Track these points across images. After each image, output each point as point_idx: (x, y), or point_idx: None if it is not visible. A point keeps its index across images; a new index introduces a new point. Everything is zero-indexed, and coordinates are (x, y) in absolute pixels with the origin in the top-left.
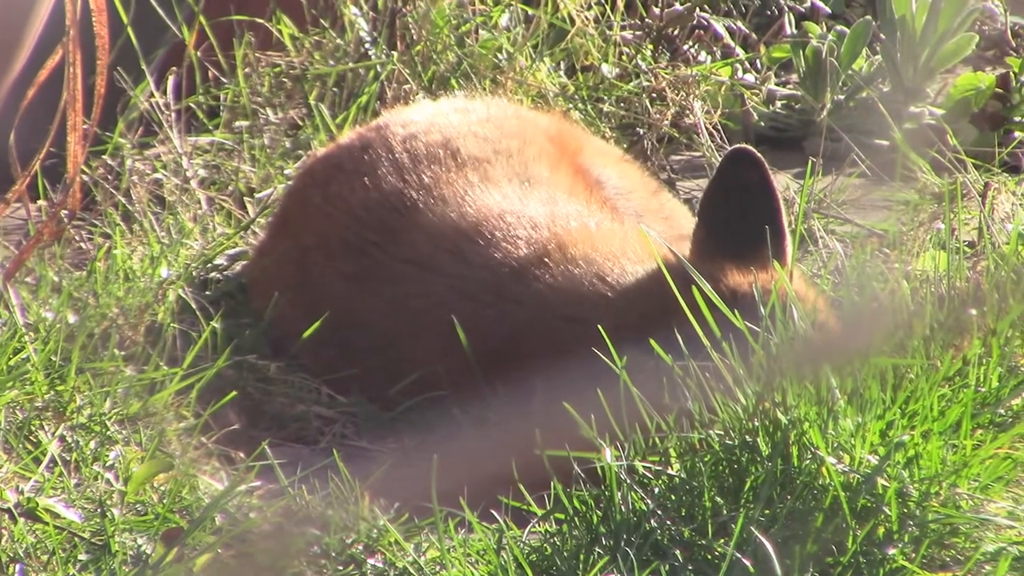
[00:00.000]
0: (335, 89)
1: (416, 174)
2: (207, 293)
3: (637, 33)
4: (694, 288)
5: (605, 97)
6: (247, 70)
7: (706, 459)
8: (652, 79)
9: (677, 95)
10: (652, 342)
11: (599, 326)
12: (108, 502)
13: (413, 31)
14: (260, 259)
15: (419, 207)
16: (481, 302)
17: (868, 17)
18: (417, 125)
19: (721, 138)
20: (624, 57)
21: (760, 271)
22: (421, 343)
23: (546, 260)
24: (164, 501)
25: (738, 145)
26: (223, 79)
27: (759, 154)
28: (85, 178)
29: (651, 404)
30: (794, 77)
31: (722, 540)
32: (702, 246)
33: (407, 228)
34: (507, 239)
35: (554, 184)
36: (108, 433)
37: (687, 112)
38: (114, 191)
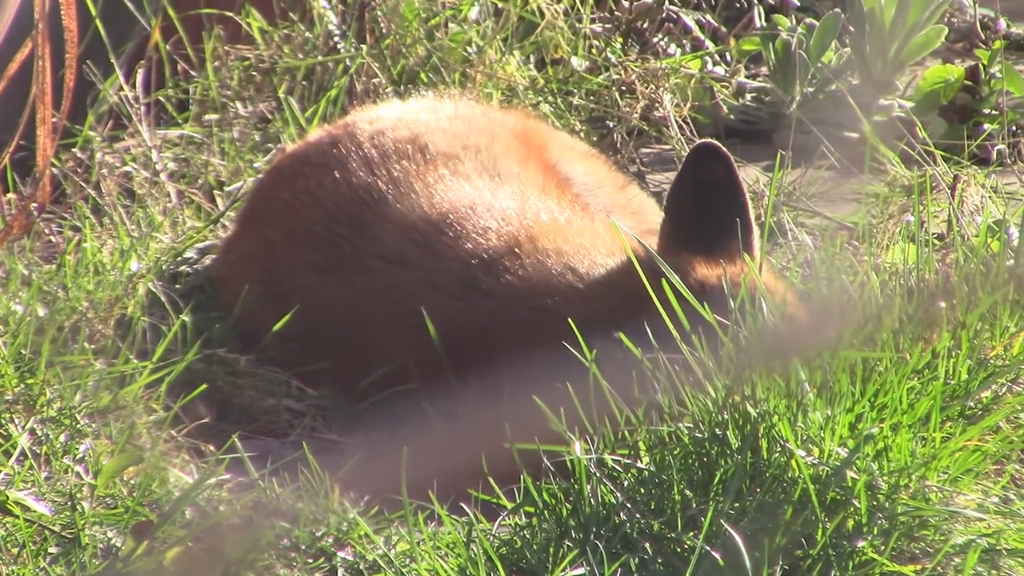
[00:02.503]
0: (304, 83)
1: (385, 168)
2: (177, 286)
3: (607, 26)
4: (663, 281)
5: (575, 90)
6: (216, 63)
7: (675, 452)
8: (622, 72)
9: (647, 88)
10: (621, 335)
11: (569, 318)
12: (78, 495)
13: (382, 24)
14: (227, 254)
15: (388, 200)
16: (451, 294)
17: (837, 10)
18: (385, 122)
19: (691, 131)
20: (594, 50)
21: (728, 264)
22: (390, 335)
23: (516, 251)
24: (134, 494)
25: (704, 140)
26: (192, 72)
27: (724, 148)
28: (55, 171)
29: (620, 397)
30: (764, 70)
31: (692, 533)
32: (669, 241)
33: (376, 221)
34: (477, 231)
35: (524, 180)
36: (78, 426)
37: (657, 105)
38: (84, 184)
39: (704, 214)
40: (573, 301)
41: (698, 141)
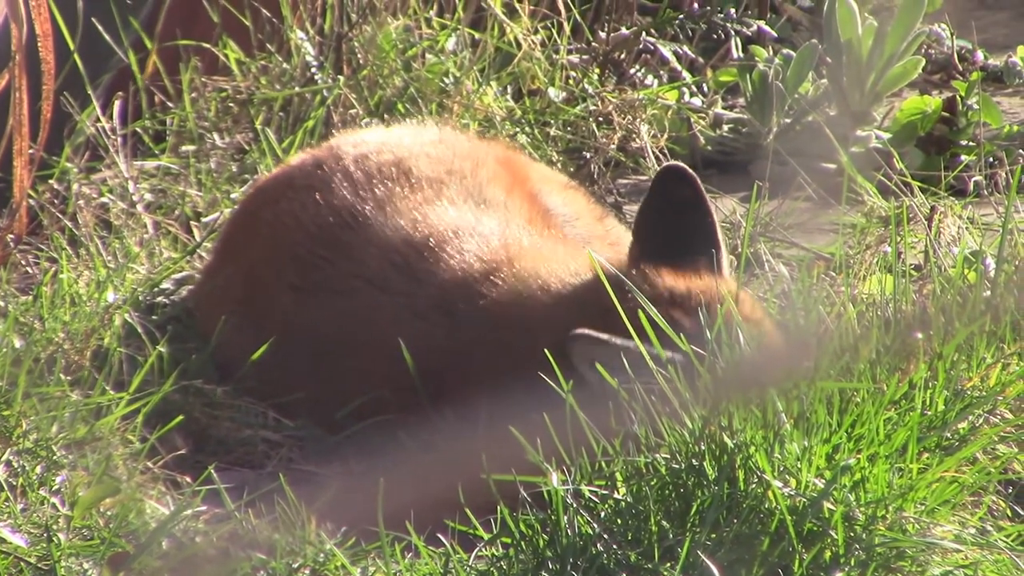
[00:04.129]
0: (281, 114)
1: (370, 191)
2: (153, 317)
3: (584, 57)
4: (635, 293)
5: (552, 121)
6: (193, 95)
7: (653, 483)
8: (599, 103)
9: (624, 119)
10: (599, 366)
11: (539, 339)
12: (54, 527)
13: (359, 55)
14: (207, 280)
15: (371, 223)
16: (430, 320)
17: (814, 41)
18: (369, 145)
19: (668, 162)
20: (571, 81)
21: (696, 279)
22: (369, 358)
23: (494, 277)
24: (111, 526)
25: (671, 162)
26: (169, 104)
27: (691, 171)
28: (31, 202)
29: (596, 424)
30: (741, 101)
31: (669, 564)
32: (636, 261)
33: (359, 244)
34: (458, 256)
35: (510, 208)
36: (54, 458)
37: (634, 136)
38: (60, 215)
39: (672, 235)
40: (545, 320)
41: (665, 164)
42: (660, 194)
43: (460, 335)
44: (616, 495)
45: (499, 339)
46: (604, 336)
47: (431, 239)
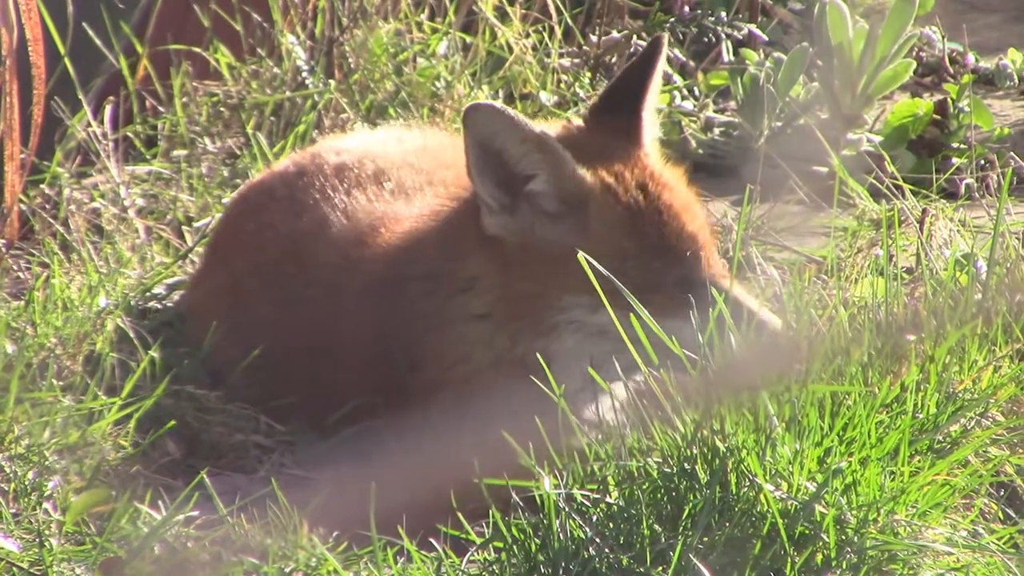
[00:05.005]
0: (272, 118)
1: (345, 203)
2: (145, 322)
3: (575, 61)
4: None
5: None
6: (185, 99)
7: (644, 487)
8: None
9: None
10: (591, 369)
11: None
12: (47, 532)
13: (351, 60)
14: (196, 288)
15: (333, 232)
16: (371, 296)
17: (805, 44)
18: (351, 154)
19: None
20: (562, 85)
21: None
22: (344, 364)
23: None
24: (103, 531)
25: (658, 34)
26: (161, 108)
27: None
28: (23, 207)
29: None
30: (732, 104)
31: (661, 568)
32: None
33: (320, 252)
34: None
35: None
36: (47, 463)
37: None
38: (52, 220)
39: (619, 97)
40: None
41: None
42: (641, 61)
43: (398, 298)
44: (608, 499)
45: (425, 269)
46: (505, 108)
47: (363, 232)
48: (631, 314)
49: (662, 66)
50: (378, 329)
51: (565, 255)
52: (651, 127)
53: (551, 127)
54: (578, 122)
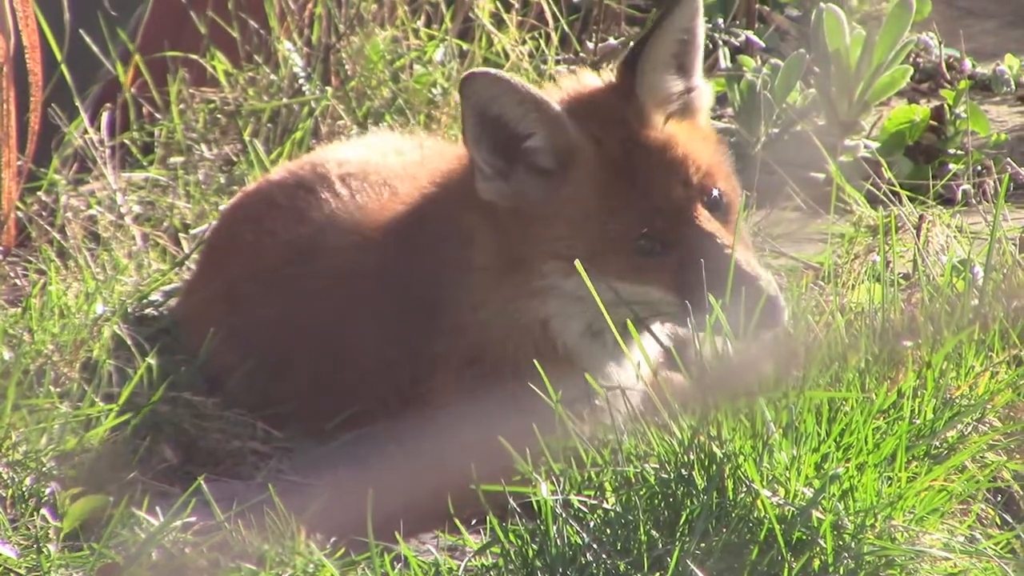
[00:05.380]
0: (269, 125)
1: (351, 199)
2: (142, 329)
3: (572, 68)
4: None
5: None
6: (181, 106)
7: (642, 493)
8: None
9: None
10: (587, 376)
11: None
12: (44, 538)
13: (347, 66)
14: (190, 296)
15: (343, 219)
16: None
17: (802, 50)
18: (351, 165)
19: None
20: None
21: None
22: (341, 354)
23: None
24: (100, 537)
25: None
26: (157, 115)
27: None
28: (20, 214)
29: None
30: (729, 110)
31: (658, 573)
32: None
33: (331, 240)
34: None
35: None
36: (44, 469)
37: None
38: (49, 227)
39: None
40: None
41: None
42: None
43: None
44: (605, 505)
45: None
46: (500, 72)
47: (376, 211)
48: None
49: (685, 17)
50: (397, 298)
51: (550, 218)
52: (667, 82)
53: (567, 82)
54: (609, 77)
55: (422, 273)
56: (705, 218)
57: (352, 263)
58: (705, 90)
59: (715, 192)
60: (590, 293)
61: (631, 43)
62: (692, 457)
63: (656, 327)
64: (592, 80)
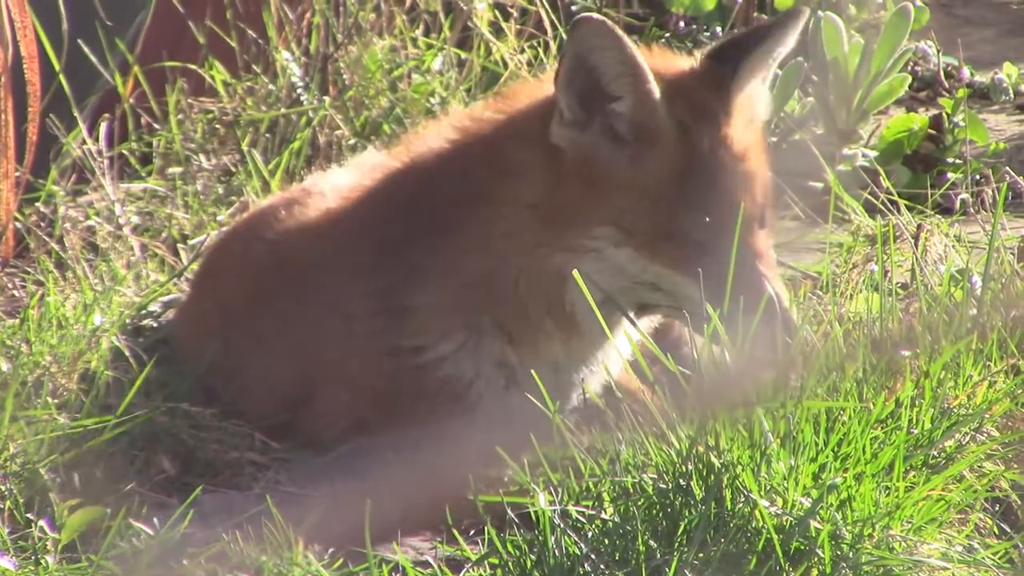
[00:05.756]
0: (268, 135)
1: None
2: (140, 340)
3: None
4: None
5: None
6: (180, 116)
7: (640, 503)
8: None
9: None
10: (584, 385)
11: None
12: (42, 549)
13: (345, 76)
14: (185, 313)
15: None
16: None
17: (800, 59)
18: (344, 188)
19: None
20: None
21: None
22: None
23: None
24: (98, 548)
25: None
26: (156, 125)
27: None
28: (18, 225)
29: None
30: None
31: None
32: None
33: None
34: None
35: None
36: (42, 481)
37: None
38: (47, 238)
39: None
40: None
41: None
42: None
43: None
44: (603, 515)
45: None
46: (615, 26)
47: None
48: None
49: (790, 38)
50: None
51: (620, 185)
52: (756, 95)
53: (662, 58)
54: (692, 63)
55: (431, 206)
56: (761, 238)
57: (315, 250)
58: (768, 101)
59: (767, 213)
60: (630, 268)
61: (721, 40)
62: (690, 467)
63: (644, 322)
64: (677, 62)
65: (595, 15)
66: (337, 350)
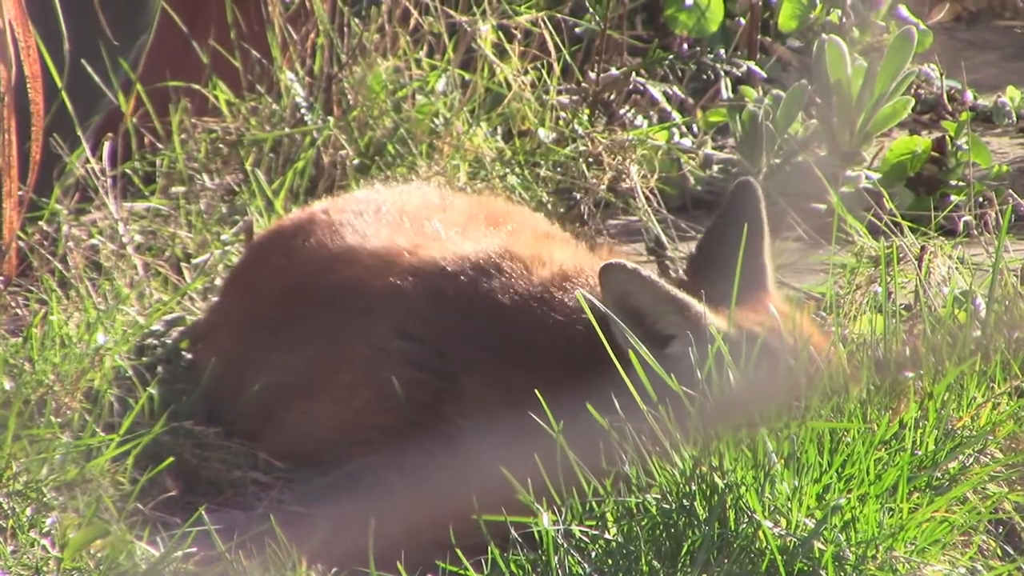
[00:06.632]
0: (271, 154)
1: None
2: (144, 359)
3: (574, 98)
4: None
5: (542, 162)
6: (183, 136)
7: (643, 523)
8: (589, 143)
9: (614, 159)
10: (589, 406)
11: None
12: (45, 569)
13: (349, 96)
14: (209, 323)
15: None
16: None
17: (804, 81)
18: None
19: (658, 202)
20: (561, 122)
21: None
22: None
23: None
24: (101, 567)
25: (742, 178)
26: (159, 145)
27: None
28: (21, 244)
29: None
30: (731, 141)
31: None
32: (688, 269)
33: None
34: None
35: None
36: (45, 500)
37: (624, 176)
38: (50, 257)
39: (722, 251)
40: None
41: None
42: (728, 209)
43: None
44: (607, 535)
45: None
46: (637, 268)
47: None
48: None
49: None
50: None
51: None
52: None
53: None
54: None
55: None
56: None
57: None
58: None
59: None
60: None
61: (709, 232)
62: (694, 487)
63: None
64: None
65: (616, 260)
66: None
